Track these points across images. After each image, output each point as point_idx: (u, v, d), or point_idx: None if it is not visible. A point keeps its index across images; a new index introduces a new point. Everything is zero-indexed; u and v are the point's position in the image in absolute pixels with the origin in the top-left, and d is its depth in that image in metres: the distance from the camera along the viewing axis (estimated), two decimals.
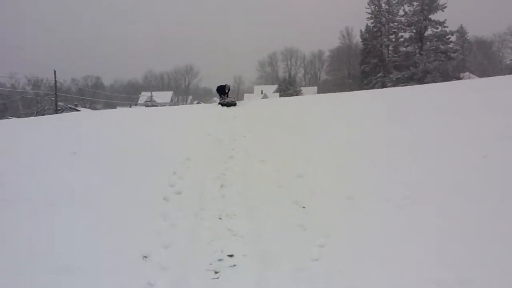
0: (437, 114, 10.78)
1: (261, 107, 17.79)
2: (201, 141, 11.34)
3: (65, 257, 5.16)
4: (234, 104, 17.97)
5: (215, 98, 66.95)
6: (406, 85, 31.56)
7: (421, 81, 48.27)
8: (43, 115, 36.87)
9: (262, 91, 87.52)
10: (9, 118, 31.81)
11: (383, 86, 53.08)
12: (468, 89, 14.71)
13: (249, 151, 10.16)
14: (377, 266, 4.67)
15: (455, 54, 55.29)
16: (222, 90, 20.56)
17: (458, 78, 47.15)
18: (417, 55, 54.96)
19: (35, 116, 36.28)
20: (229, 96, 21.22)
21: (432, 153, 8.11)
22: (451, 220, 5.53)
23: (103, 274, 4.82)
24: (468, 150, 7.88)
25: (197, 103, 73.99)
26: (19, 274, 4.76)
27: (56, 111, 41.65)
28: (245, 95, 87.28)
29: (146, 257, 5.29)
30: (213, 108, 18.17)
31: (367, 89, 46.57)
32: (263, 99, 31.13)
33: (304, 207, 6.67)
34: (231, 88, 21.80)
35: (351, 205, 6.53)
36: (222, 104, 17.93)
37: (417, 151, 8.37)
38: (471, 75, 55.58)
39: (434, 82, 40.45)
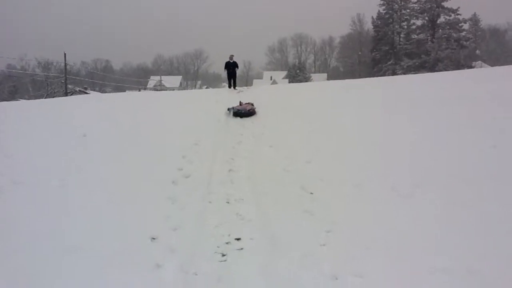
0: (447, 103, 10.70)
1: (270, 93, 17.70)
2: (210, 126, 11.35)
3: (74, 238, 5.24)
4: (251, 114, 12.51)
5: (223, 84, 66.82)
6: (417, 73, 31.26)
7: (432, 69, 47.76)
8: (53, 97, 37.04)
9: (271, 77, 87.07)
10: (18, 100, 31.99)
11: (394, 73, 52.63)
12: (479, 78, 14.55)
13: (257, 137, 10.17)
14: (384, 253, 4.69)
15: (468, 43, 54.53)
16: (228, 67, 19.26)
17: (470, 67, 46.62)
18: (429, 43, 54.32)
19: (45, 98, 36.46)
20: (237, 65, 19.51)
21: (441, 143, 8.08)
22: (459, 209, 5.52)
23: (112, 255, 4.89)
24: (478, 140, 7.84)
25: (206, 88, 73.98)
26: (29, 254, 4.84)
27: (66, 93, 41.80)
28: (254, 81, 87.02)
29: (154, 239, 5.35)
30: (222, 93, 18.14)
31: (377, 76, 46.15)
32: (272, 85, 31.04)
33: (312, 193, 6.68)
34: (238, 65, 19.79)
35: (358, 192, 6.54)
36: (236, 114, 12.49)
37: (425, 140, 8.33)
38: (483, 63, 54.88)
39: (446, 70, 40.01)
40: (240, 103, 13.07)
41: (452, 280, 4.02)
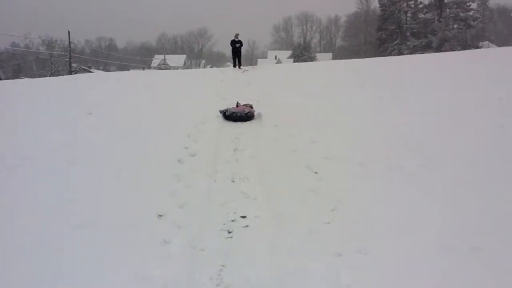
0: (453, 83, 10.66)
1: (275, 72, 17.64)
2: (215, 105, 11.34)
3: (83, 215, 5.30)
4: (249, 118, 10.22)
5: (228, 63, 66.42)
6: (423, 53, 30.98)
7: (438, 49, 47.29)
8: (57, 75, 37.03)
9: (276, 56, 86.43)
10: (22, 78, 32.00)
11: (400, 53, 52.10)
12: (486, 58, 14.43)
13: (263, 116, 10.18)
14: (389, 231, 4.75)
15: (475, 22, 53.79)
16: (234, 45, 19.30)
17: (477, 47, 46.12)
18: (436, 23, 53.61)
19: (49, 77, 36.46)
20: (242, 44, 19.33)
21: (446, 123, 8.08)
22: (464, 189, 5.56)
23: (120, 231, 4.96)
24: (484, 121, 7.83)
25: (210, 67, 73.66)
26: (39, 231, 4.91)
27: (70, 72, 41.78)
28: (259, 60, 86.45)
29: (161, 216, 5.42)
30: (227, 73, 18.11)
31: (383, 56, 45.75)
32: (277, 64, 30.86)
33: (316, 172, 6.72)
34: (242, 43, 19.77)
35: (364, 171, 6.57)
36: (229, 118, 10.18)
37: (433, 120, 8.33)
38: (490, 44, 54.25)
39: (452, 50, 39.60)
40: (237, 104, 10.76)
41: (456, 257, 4.08)
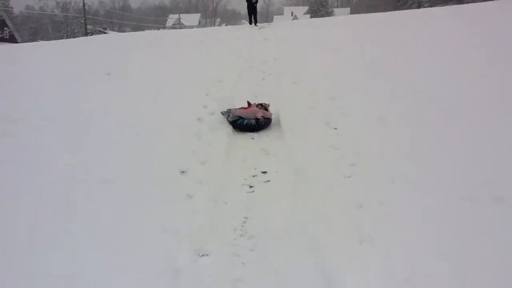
0: (477, 37, 10.39)
1: (291, 28, 17.35)
2: (232, 63, 11.31)
3: (105, 172, 5.40)
4: (261, 127, 7.22)
5: (243, 21, 65.33)
6: (444, 5, 29.96)
7: (460, 1, 45.63)
8: (73, 37, 37.01)
9: (292, 12, 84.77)
10: (38, 42, 32.11)
11: (419, 6, 50.48)
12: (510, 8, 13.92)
13: (280, 73, 10.13)
14: (410, 184, 4.76)
15: None
16: (249, 1, 18.94)
17: None
18: None
19: (65, 39, 36.50)
20: (256, 3, 18.98)
21: (469, 77, 7.94)
22: (485, 142, 5.52)
23: (145, 186, 5.08)
24: (507, 75, 7.67)
25: (225, 25, 72.64)
26: (63, 186, 5.02)
27: (86, 33, 41.75)
28: (275, 17, 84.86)
29: (184, 172, 5.53)
30: (243, 30, 17.89)
31: (402, 9, 44.46)
32: (293, 21, 30.26)
33: (336, 128, 6.72)
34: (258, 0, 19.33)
35: (383, 126, 6.53)
36: (235, 125, 7.20)
37: (453, 74, 8.19)
38: None
39: (474, 2, 38.17)
40: (249, 104, 7.64)
41: (477, 207, 4.10)
